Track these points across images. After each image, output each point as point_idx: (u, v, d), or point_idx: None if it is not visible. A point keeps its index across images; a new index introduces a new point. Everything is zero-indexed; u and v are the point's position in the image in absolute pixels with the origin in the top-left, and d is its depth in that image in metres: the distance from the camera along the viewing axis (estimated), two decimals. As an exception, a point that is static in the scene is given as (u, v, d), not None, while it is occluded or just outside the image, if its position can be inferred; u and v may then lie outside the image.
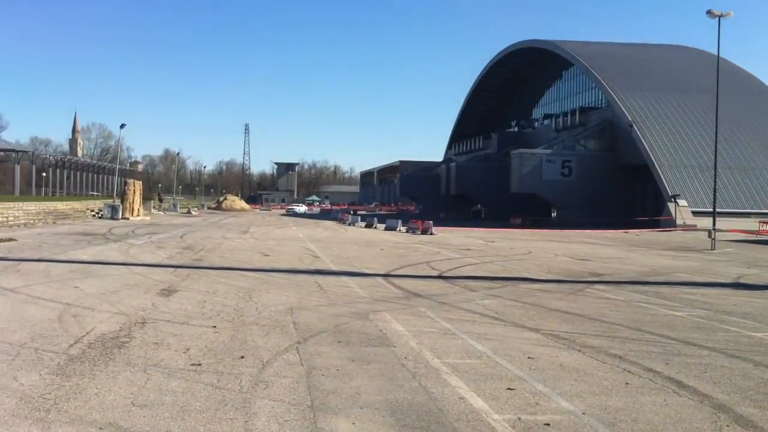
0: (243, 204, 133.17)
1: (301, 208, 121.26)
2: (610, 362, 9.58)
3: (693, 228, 55.83)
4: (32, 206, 53.49)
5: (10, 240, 30.07)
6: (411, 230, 50.60)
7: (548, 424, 6.85)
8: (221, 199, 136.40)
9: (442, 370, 8.84)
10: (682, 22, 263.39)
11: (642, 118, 68.74)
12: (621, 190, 70.53)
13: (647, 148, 65.45)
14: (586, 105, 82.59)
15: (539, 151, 74.06)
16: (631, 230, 55.44)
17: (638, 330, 12.19)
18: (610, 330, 12.14)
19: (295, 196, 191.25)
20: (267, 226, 57.92)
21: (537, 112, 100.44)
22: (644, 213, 64.76)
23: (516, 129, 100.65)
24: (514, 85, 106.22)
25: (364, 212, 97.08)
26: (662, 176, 63.39)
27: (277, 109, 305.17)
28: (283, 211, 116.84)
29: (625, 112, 68.81)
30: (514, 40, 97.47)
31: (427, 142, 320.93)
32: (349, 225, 62.62)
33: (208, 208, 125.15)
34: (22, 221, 45.63)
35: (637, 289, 18.53)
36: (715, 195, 46.73)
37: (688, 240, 44.59)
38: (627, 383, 8.48)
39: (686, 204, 61.43)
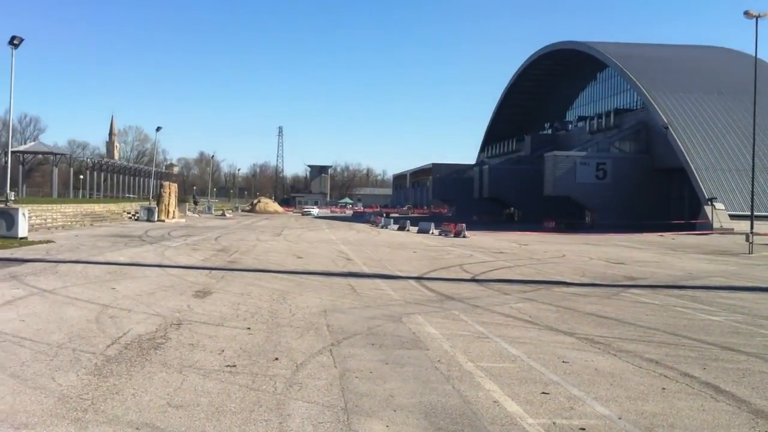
0: (276, 206, 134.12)
1: (315, 210, 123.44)
2: (646, 367, 9.48)
3: (730, 231, 55.03)
4: (70, 208, 54.27)
5: (48, 242, 30.55)
6: (444, 233, 50.51)
7: (583, 429, 6.80)
8: (255, 201, 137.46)
9: (476, 374, 8.82)
10: (711, 23, 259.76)
11: (678, 119, 67.86)
12: (656, 193, 69.72)
13: (683, 150, 64.57)
14: (621, 107, 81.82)
15: (573, 154, 73.49)
16: (667, 233, 54.77)
17: (674, 334, 12.05)
18: (646, 334, 12.01)
19: (328, 198, 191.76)
20: (300, 228, 58.19)
21: (571, 114, 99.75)
22: (680, 216, 63.97)
23: (549, 131, 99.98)
24: (548, 87, 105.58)
25: (396, 215, 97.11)
26: (698, 179, 62.51)
27: (310, 112, 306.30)
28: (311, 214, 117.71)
29: (661, 114, 68.00)
30: (548, 42, 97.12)
31: (460, 144, 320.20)
32: (382, 228, 62.68)
33: (242, 210, 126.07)
34: (60, 223, 46.33)
35: (673, 293, 18.31)
36: (753, 198, 46.06)
37: (725, 244, 43.92)
38: (663, 388, 8.39)
39: (723, 207, 60.51)
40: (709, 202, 59.79)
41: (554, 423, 6.97)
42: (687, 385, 8.59)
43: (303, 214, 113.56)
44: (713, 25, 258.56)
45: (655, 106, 69.21)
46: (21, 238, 30.44)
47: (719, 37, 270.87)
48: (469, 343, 10.83)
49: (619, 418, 7.16)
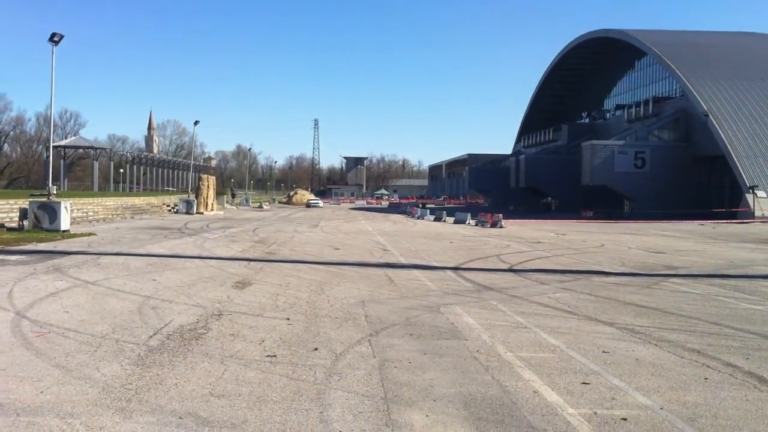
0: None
1: (321, 203, 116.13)
2: (688, 357, 9.38)
3: (772, 219, 54.11)
4: (110, 201, 55.13)
5: (90, 234, 31.04)
6: (480, 223, 50.33)
7: (625, 419, 6.75)
8: (291, 193, 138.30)
9: (515, 364, 8.79)
10: (752, 9, 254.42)
11: (718, 107, 66.74)
12: (696, 182, 68.81)
13: (724, 138, 63.52)
14: (660, 95, 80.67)
15: (611, 143, 72.71)
16: (707, 222, 54.03)
17: (716, 324, 11.89)
18: (688, 324, 11.87)
19: (364, 190, 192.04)
20: (336, 219, 58.38)
21: (608, 103, 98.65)
22: (721, 205, 63.07)
23: (587, 120, 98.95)
24: (585, 75, 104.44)
25: (432, 206, 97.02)
26: (739, 166, 61.48)
27: (346, 104, 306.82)
28: (354, 205, 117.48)
29: (701, 101, 66.93)
30: (584, 31, 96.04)
31: (496, 135, 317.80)
32: (418, 218, 62.65)
33: (279, 202, 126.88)
34: (101, 216, 47.07)
35: (714, 283, 18.05)
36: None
37: (767, 232, 43.19)
38: (706, 378, 8.29)
39: (765, 195, 59.52)
40: (751, 190, 58.84)
41: (595, 413, 6.93)
42: (730, 375, 8.48)
43: (308, 206, 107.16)
44: (754, 11, 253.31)
45: (695, 93, 68.11)
46: (63, 231, 30.98)
47: (760, 23, 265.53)
48: (507, 333, 10.80)
49: (661, 408, 7.10)
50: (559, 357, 9.28)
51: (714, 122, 64.71)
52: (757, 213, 57.41)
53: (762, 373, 8.56)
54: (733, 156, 62.31)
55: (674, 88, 77.26)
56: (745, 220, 55.97)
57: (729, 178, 63.96)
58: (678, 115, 72.82)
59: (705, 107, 66.01)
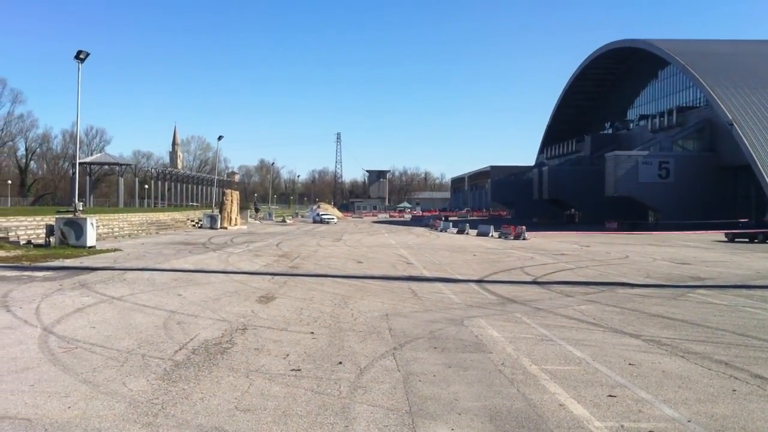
0: (336, 212, 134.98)
1: (334, 219, 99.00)
2: (715, 368, 9.29)
3: (800, 229, 53.36)
4: (136, 217, 55.59)
5: (116, 250, 31.31)
6: (503, 236, 50.19)
7: (652, 432, 6.70)
8: (314, 207, 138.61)
9: (541, 377, 8.75)
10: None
11: (743, 116, 66.10)
12: (722, 192, 68.15)
13: (749, 147, 62.87)
14: (684, 104, 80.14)
15: (635, 153, 72.31)
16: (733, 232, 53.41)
17: (744, 335, 11.77)
18: (715, 336, 11.76)
19: (387, 203, 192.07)
20: (359, 233, 58.45)
21: (632, 114, 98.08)
22: (747, 215, 62.34)
23: (610, 131, 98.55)
24: (608, 86, 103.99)
25: (455, 218, 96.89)
26: (765, 176, 60.79)
27: (368, 118, 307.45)
28: (377, 218, 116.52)
29: (726, 110, 66.34)
30: (607, 41, 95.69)
31: (519, 147, 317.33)
32: (441, 231, 62.56)
33: (302, 216, 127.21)
34: (127, 232, 47.45)
35: (741, 294, 17.87)
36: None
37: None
38: (734, 390, 8.20)
39: (792, 205, 58.83)
40: (777, 200, 58.16)
41: (622, 426, 6.88)
42: (758, 386, 8.39)
43: (319, 221, 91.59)
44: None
45: (719, 102, 67.54)
46: (89, 247, 31.27)
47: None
48: (532, 345, 10.75)
49: (689, 421, 7.03)
50: (584, 369, 9.22)
51: (739, 131, 64.10)
52: (784, 223, 56.68)
53: (791, 385, 8.45)
54: (759, 165, 61.63)
55: (698, 97, 76.70)
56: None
57: (755, 187, 63.29)
58: (702, 125, 72.28)
59: (729, 116, 65.43)
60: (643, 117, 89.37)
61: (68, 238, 31.79)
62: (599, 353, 10.22)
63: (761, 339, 11.46)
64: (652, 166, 69.40)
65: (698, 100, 76.92)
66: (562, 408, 7.44)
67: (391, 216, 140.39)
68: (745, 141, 63.33)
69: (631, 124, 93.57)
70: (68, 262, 24.80)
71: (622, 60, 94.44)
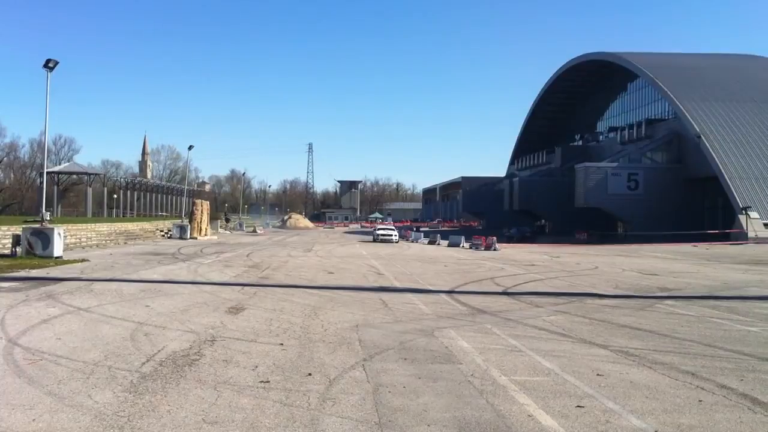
0: (307, 222, 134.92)
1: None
2: (682, 379, 9.37)
3: (765, 241, 54.28)
4: (104, 227, 54.97)
5: (83, 261, 30.92)
6: (474, 246, 50.40)
7: (619, 443, 6.73)
8: (286, 217, 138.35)
9: (510, 388, 8.77)
10: (743, 31, 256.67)
11: (711, 129, 67.19)
12: (689, 203, 69.05)
13: (716, 159, 63.90)
14: (653, 117, 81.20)
15: (605, 165, 73.09)
16: (701, 244, 54.13)
17: (710, 346, 11.90)
18: (682, 346, 11.87)
19: (358, 213, 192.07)
20: (331, 243, 58.35)
21: (601, 125, 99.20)
22: (714, 226, 63.24)
23: (580, 143, 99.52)
24: (578, 98, 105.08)
25: (426, 229, 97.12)
26: (732, 188, 61.76)
27: (340, 128, 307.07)
28: (348, 228, 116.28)
29: (693, 123, 67.38)
30: (579, 53, 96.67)
31: (490, 158, 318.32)
32: (412, 242, 62.68)
33: (273, 226, 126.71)
34: (95, 242, 46.93)
35: (708, 304, 18.08)
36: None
37: (760, 253, 43.31)
38: (700, 400, 8.28)
39: (758, 216, 59.76)
40: (744, 212, 59.06)
41: (590, 437, 6.90)
42: (724, 397, 8.47)
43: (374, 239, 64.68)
44: (745, 33, 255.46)
45: (687, 115, 68.60)
46: (56, 258, 30.85)
47: (751, 45, 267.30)
48: (502, 356, 10.77)
49: (656, 431, 7.08)
50: (553, 380, 9.26)
51: (707, 144, 65.10)
52: (750, 234, 57.58)
53: (756, 394, 8.55)
54: (726, 177, 62.61)
55: (667, 110, 77.76)
56: (738, 242, 56.10)
57: (722, 199, 64.23)
58: (671, 137, 73.28)
59: (697, 129, 66.45)
60: (612, 129, 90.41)
61: (35, 248, 31.34)
62: (568, 364, 10.26)
63: (727, 350, 11.59)
64: (621, 177, 70.18)
65: (667, 113, 78.00)
66: (530, 419, 7.46)
67: (362, 226, 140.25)
68: (713, 153, 64.33)
69: (601, 136, 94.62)
70: (35, 273, 24.45)
71: (593, 73, 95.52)
